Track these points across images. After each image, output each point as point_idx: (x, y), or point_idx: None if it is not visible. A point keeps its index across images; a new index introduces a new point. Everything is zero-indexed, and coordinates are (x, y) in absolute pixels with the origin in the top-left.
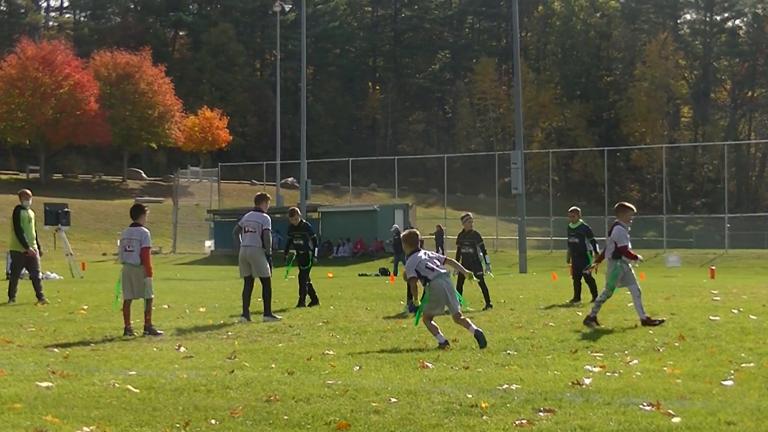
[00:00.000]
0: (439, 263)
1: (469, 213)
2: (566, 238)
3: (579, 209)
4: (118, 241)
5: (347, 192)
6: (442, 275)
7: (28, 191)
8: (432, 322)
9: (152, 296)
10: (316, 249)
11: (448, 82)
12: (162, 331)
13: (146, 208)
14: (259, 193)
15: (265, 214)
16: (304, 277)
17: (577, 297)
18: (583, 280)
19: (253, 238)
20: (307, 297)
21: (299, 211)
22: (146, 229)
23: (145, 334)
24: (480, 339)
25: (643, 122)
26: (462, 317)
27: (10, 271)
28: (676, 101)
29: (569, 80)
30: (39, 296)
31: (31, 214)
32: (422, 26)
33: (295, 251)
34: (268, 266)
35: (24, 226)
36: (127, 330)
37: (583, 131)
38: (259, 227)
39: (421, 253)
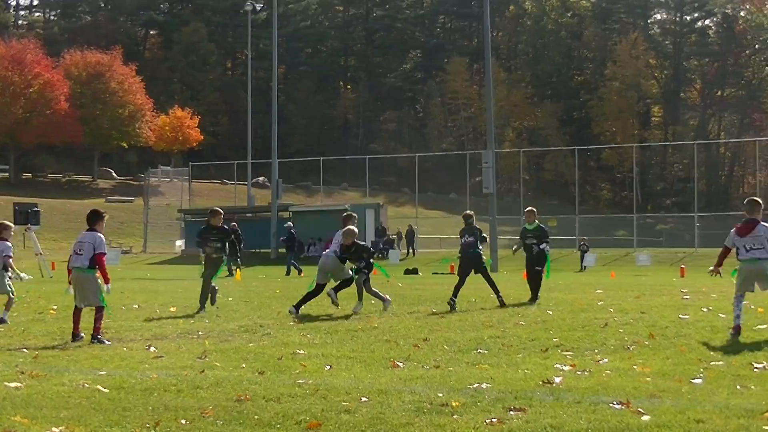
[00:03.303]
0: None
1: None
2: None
3: (535, 210)
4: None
5: (318, 191)
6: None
7: None
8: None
9: (103, 304)
10: (237, 253)
11: (419, 81)
12: (109, 342)
13: (104, 214)
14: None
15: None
16: (207, 280)
17: (535, 296)
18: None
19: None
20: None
21: (222, 213)
22: (102, 235)
23: (92, 342)
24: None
25: (614, 122)
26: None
27: None
28: (647, 101)
29: (541, 80)
30: None
31: None
32: (394, 26)
33: (206, 253)
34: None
35: None
36: (76, 336)
37: (555, 131)
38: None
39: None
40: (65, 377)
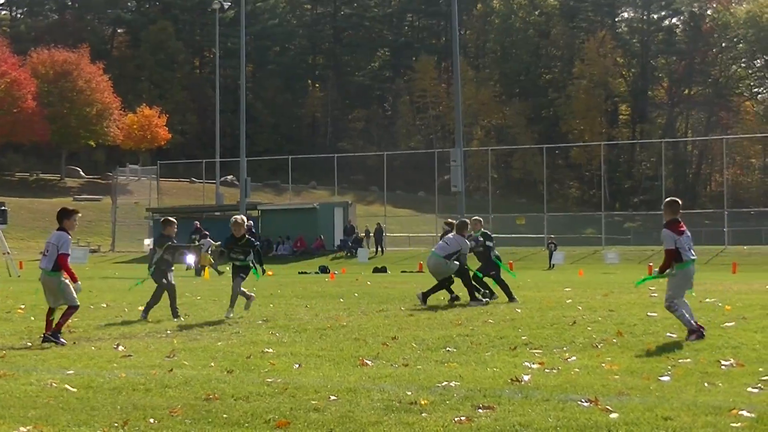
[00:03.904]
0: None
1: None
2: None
3: (482, 219)
4: None
5: (287, 190)
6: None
7: None
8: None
9: (75, 304)
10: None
11: (388, 80)
12: (65, 341)
13: (74, 212)
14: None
15: None
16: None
17: (510, 297)
18: (473, 276)
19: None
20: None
21: (175, 223)
22: (67, 235)
23: (47, 337)
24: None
25: (582, 120)
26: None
27: None
28: (615, 99)
29: (509, 78)
30: None
31: None
32: (362, 24)
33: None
34: None
35: None
36: (46, 338)
37: (523, 129)
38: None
39: None
40: (33, 376)
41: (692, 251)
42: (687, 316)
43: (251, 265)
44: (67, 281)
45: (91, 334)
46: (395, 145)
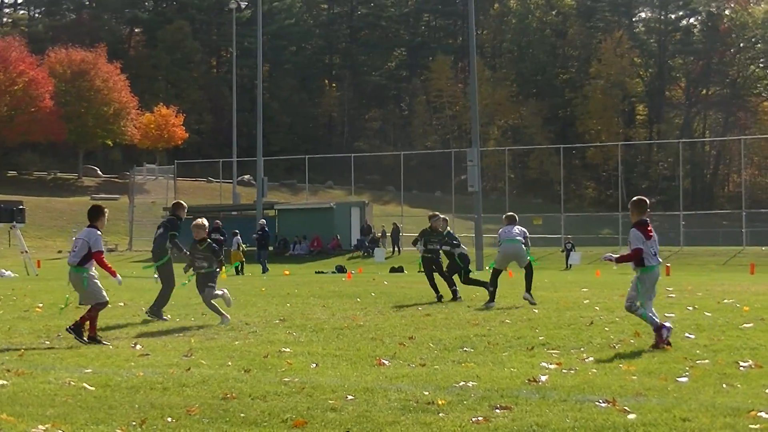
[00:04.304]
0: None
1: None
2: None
3: (447, 219)
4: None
5: (303, 189)
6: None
7: None
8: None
9: (102, 300)
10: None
11: (404, 79)
12: (88, 341)
13: (105, 210)
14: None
15: None
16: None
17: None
18: (438, 276)
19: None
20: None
21: (185, 207)
22: (98, 231)
23: (69, 329)
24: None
25: (598, 120)
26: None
27: None
28: (632, 99)
29: (525, 78)
30: None
31: None
32: (378, 24)
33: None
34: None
35: None
36: (82, 337)
37: (539, 129)
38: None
39: None
40: (51, 375)
41: (658, 257)
42: (650, 314)
43: (216, 271)
44: (94, 278)
45: (108, 333)
46: (411, 144)
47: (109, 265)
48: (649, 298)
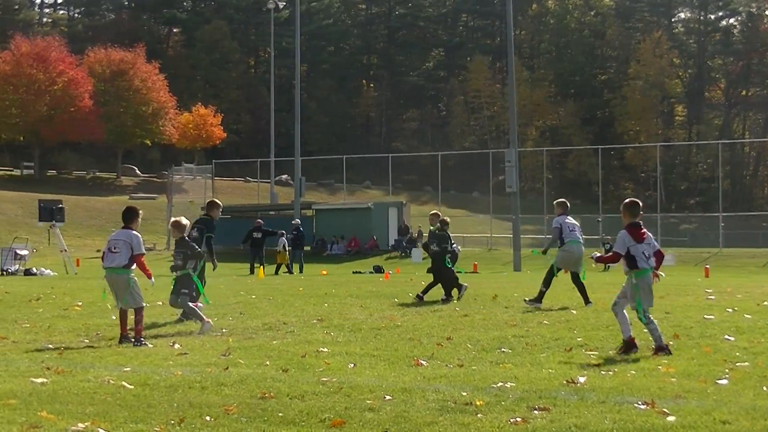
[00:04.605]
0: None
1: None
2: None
3: (439, 213)
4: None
5: (341, 190)
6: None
7: None
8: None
9: (141, 305)
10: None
11: (442, 80)
12: (151, 345)
13: (140, 211)
14: None
15: None
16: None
17: (448, 294)
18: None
19: None
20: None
21: (220, 206)
22: (138, 234)
23: (135, 345)
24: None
25: (637, 121)
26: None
27: None
28: (671, 100)
29: (563, 78)
30: None
31: None
32: (416, 24)
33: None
34: None
35: None
36: (124, 338)
37: (578, 129)
38: None
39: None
40: (90, 373)
41: (651, 260)
42: (627, 325)
43: (194, 276)
44: (135, 279)
45: (146, 332)
46: (449, 145)
47: (147, 267)
48: (650, 305)
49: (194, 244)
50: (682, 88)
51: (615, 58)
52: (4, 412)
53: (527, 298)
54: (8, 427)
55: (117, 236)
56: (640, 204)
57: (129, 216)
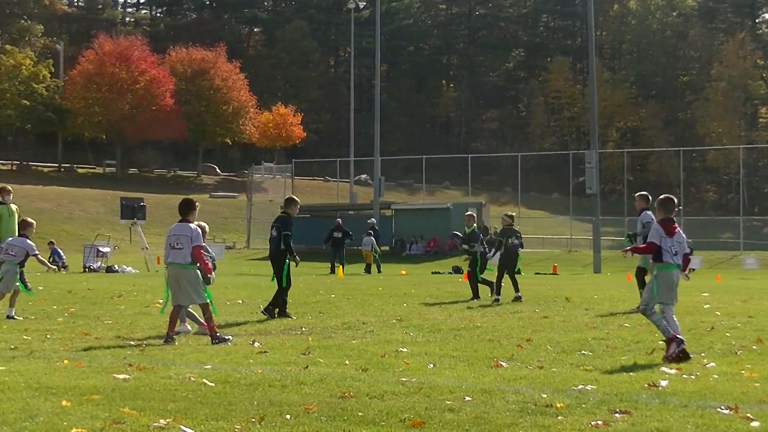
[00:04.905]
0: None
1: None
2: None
3: (474, 215)
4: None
5: (420, 190)
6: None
7: (9, 187)
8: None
9: (207, 301)
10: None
11: (522, 80)
12: (230, 336)
13: (197, 204)
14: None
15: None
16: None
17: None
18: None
19: None
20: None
21: (298, 202)
22: (197, 227)
23: (214, 343)
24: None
25: (719, 122)
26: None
27: None
28: (754, 102)
29: (645, 80)
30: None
31: (14, 208)
32: (496, 24)
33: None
34: None
35: (4, 221)
36: (169, 337)
37: (659, 131)
38: None
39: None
40: (172, 370)
41: (678, 257)
42: (665, 322)
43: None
44: (200, 275)
45: (227, 330)
46: (529, 146)
47: (207, 262)
48: (668, 302)
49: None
50: (766, 89)
51: (697, 59)
52: (87, 407)
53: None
54: (91, 422)
55: (178, 231)
56: (675, 200)
57: (187, 208)
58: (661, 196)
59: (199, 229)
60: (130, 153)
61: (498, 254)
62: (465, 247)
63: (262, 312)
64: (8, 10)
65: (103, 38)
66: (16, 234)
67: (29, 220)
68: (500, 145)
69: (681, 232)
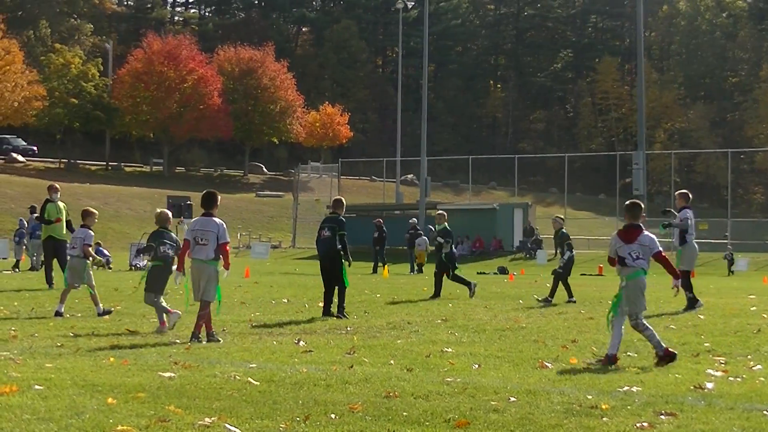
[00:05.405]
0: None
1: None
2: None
3: (445, 213)
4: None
5: (466, 190)
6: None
7: (57, 185)
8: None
9: (215, 300)
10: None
11: (569, 81)
12: (221, 339)
13: (219, 196)
14: None
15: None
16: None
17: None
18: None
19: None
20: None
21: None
22: (222, 222)
23: (191, 340)
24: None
25: None
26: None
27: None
28: None
29: (693, 81)
30: (47, 281)
31: (61, 205)
32: (545, 25)
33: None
34: None
35: (52, 218)
36: (211, 335)
37: (706, 132)
38: None
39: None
40: (217, 369)
41: (641, 261)
42: (657, 337)
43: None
44: (219, 272)
45: (272, 329)
46: (576, 146)
47: (229, 259)
48: (640, 308)
49: (173, 241)
50: None
51: (746, 60)
52: (133, 405)
53: (682, 309)
54: (137, 420)
55: (203, 226)
56: (642, 206)
57: (211, 201)
58: (628, 202)
59: (224, 224)
60: (177, 152)
61: (568, 255)
62: (440, 239)
63: (335, 317)
64: (58, 9)
65: (151, 37)
66: (63, 231)
67: (91, 209)
68: (547, 146)
69: (649, 234)
